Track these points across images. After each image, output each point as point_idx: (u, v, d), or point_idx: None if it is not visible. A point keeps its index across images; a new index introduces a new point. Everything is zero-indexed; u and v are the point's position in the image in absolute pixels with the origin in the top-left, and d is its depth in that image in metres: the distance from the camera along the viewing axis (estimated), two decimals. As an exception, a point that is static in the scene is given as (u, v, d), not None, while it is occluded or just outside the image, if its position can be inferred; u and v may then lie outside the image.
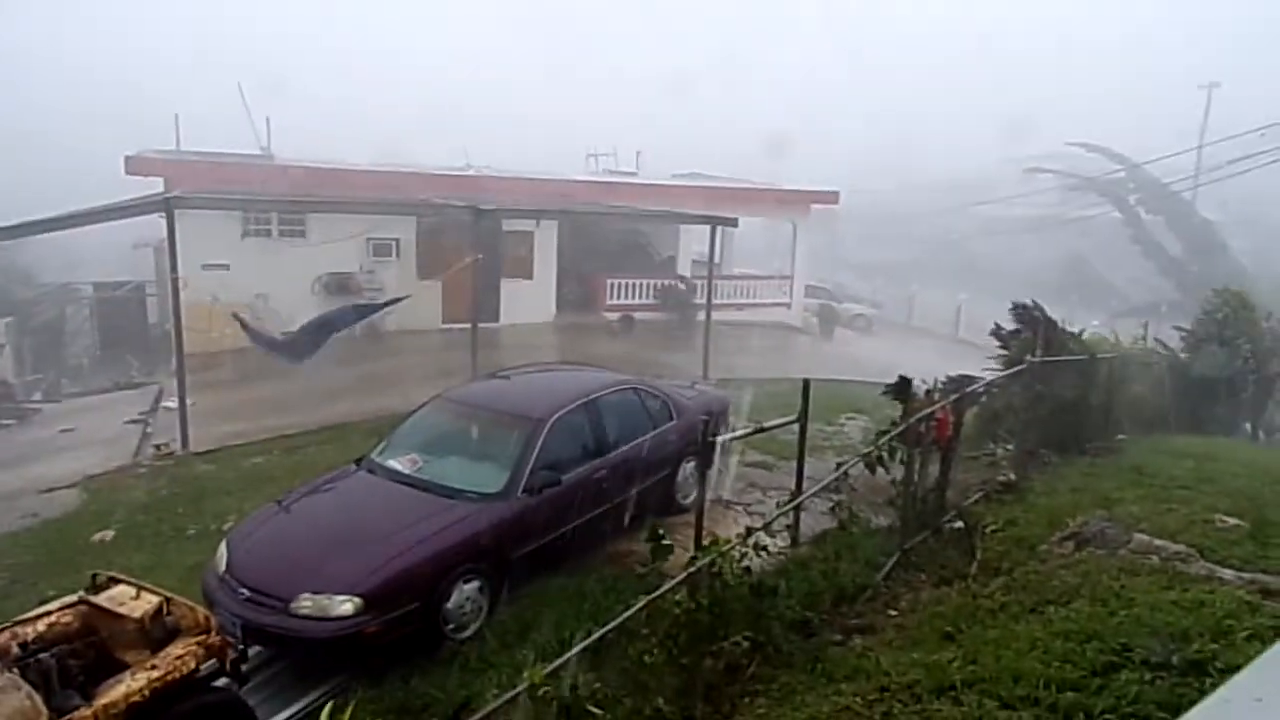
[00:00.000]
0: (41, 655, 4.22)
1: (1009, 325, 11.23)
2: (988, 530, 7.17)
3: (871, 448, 6.88)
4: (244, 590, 6.02)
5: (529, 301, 20.42)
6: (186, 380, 12.16)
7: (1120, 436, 10.86)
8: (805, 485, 7.27)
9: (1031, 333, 10.41)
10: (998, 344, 11.34)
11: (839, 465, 6.85)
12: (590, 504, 7.37)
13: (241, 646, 5.26)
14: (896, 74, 70.37)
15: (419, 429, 7.95)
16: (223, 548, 6.56)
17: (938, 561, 6.84)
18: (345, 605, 5.80)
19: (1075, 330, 11.64)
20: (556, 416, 7.46)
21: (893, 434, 6.91)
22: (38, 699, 3.88)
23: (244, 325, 13.72)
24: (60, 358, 20.59)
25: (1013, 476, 8.87)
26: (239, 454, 11.46)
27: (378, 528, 6.51)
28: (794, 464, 7.64)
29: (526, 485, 6.89)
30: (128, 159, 18.33)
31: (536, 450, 7.10)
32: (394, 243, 19.09)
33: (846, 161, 39.14)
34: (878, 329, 27.82)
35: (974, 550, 6.77)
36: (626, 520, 7.64)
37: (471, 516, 6.59)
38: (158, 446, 11.91)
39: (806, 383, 7.47)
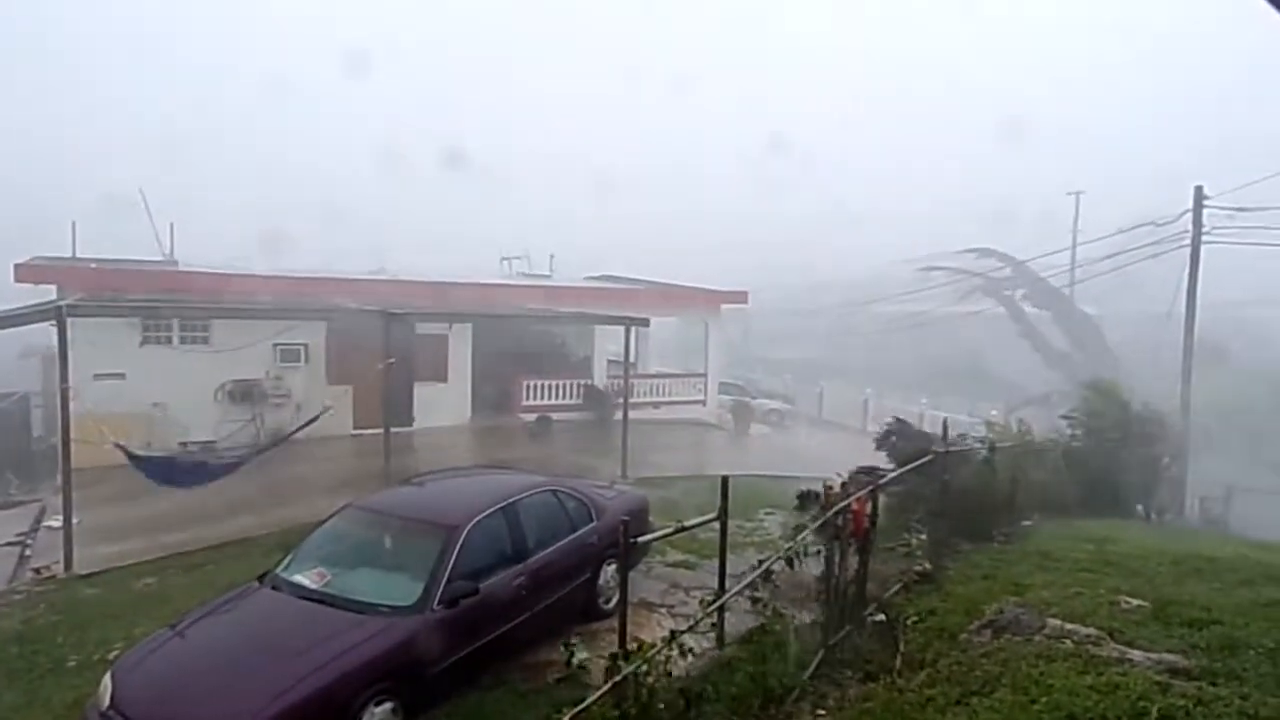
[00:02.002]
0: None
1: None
2: (909, 622, 7.24)
3: (792, 543, 6.92)
4: (130, 727, 5.53)
5: (444, 405, 20.11)
6: (74, 496, 11.39)
7: (1025, 522, 11.24)
8: (728, 583, 7.21)
9: (904, 440, 11.54)
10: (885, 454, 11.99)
11: (761, 562, 6.84)
12: (510, 613, 7.13)
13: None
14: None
15: (328, 541, 7.59)
16: (107, 679, 6.05)
17: (862, 656, 6.85)
18: (245, 737, 5.37)
19: (976, 419, 12.30)
20: (473, 523, 7.26)
21: (811, 528, 6.97)
22: None
23: (126, 451, 12.31)
24: (-71, 477, 19.02)
25: (928, 566, 9.04)
26: (129, 575, 10.69)
27: (281, 649, 6.12)
28: (716, 562, 7.59)
29: (442, 596, 6.62)
30: (17, 266, 17.52)
31: (452, 559, 6.85)
32: (302, 348, 18.63)
33: (754, 260, 40.74)
34: (791, 424, 28.34)
35: (897, 643, 6.82)
36: (547, 629, 7.38)
37: (383, 632, 6.27)
38: (37, 570, 11.01)
39: (725, 480, 7.51)
